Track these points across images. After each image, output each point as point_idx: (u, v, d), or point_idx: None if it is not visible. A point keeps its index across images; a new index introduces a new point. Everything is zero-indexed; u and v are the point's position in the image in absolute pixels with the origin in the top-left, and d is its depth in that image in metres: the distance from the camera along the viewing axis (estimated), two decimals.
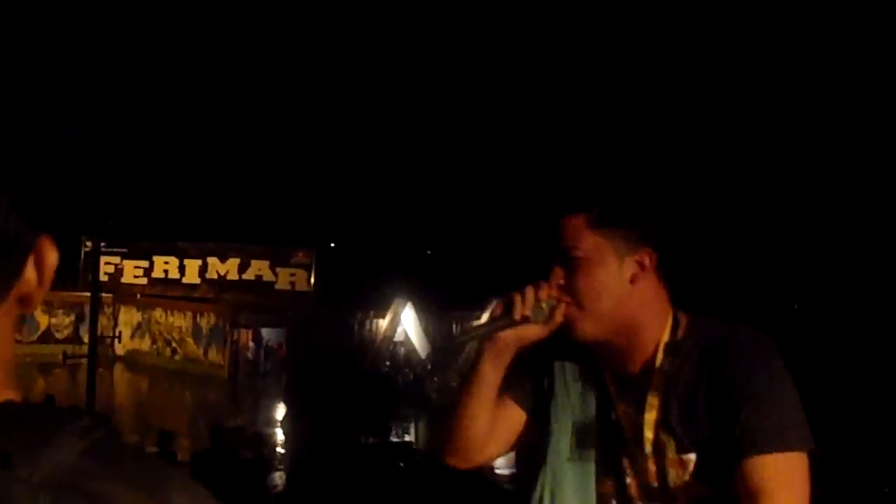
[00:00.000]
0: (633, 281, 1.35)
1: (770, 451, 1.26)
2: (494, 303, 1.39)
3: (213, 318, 15.30)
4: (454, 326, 14.87)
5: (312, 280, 15.44)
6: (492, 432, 1.44)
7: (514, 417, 1.47)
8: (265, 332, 16.02)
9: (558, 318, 1.36)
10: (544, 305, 1.31)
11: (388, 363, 14.33)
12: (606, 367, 1.45)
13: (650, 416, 1.37)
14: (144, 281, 15.57)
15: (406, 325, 14.52)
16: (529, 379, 1.46)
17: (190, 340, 15.64)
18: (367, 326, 15.10)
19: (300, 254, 15.48)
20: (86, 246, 14.23)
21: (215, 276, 15.63)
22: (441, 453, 1.49)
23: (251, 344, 16.01)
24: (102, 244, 12.68)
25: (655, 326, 1.39)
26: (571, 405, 1.44)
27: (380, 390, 10.25)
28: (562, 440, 1.45)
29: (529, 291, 1.34)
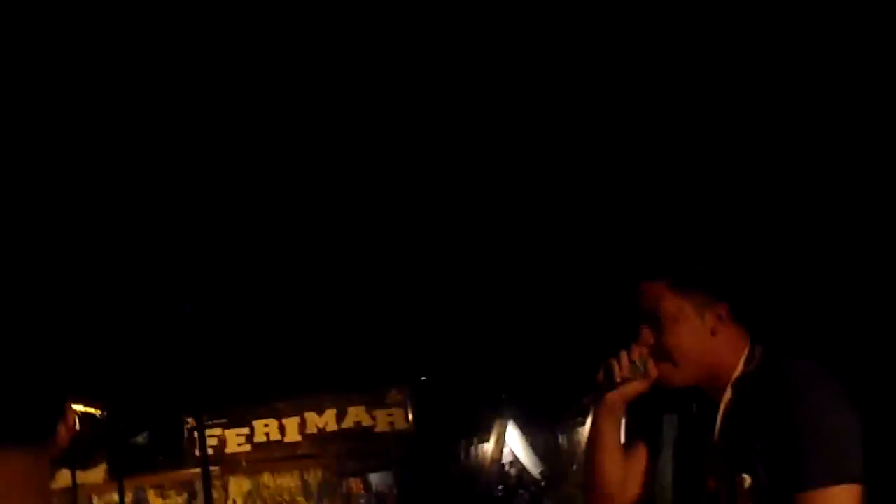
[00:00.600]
0: (713, 333, 1.62)
1: (827, 485, 1.36)
2: (600, 371, 1.65)
3: (319, 473, 15.28)
4: (559, 438, 14.55)
5: (410, 417, 15.37)
6: (625, 482, 1.62)
7: (641, 465, 1.66)
8: (373, 478, 15.91)
9: (653, 373, 1.67)
10: (639, 364, 1.61)
11: (500, 486, 14.04)
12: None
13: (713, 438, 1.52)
14: (248, 448, 15.66)
15: (512, 444, 14.29)
16: (645, 429, 1.70)
17: (301, 499, 15.59)
18: (473, 453, 14.89)
19: (394, 392, 15.49)
20: (187, 423, 14.50)
21: (315, 431, 15.66)
22: (587, 501, 1.66)
23: (363, 492, 15.87)
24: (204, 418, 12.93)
25: (733, 363, 1.62)
26: (672, 438, 1.62)
27: None
28: (665, 469, 1.64)
29: (623, 355, 1.66)
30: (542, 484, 14.16)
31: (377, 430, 16.33)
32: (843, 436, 1.41)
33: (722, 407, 1.58)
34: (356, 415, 15.94)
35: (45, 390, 0.97)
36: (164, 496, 15.41)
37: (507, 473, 14.82)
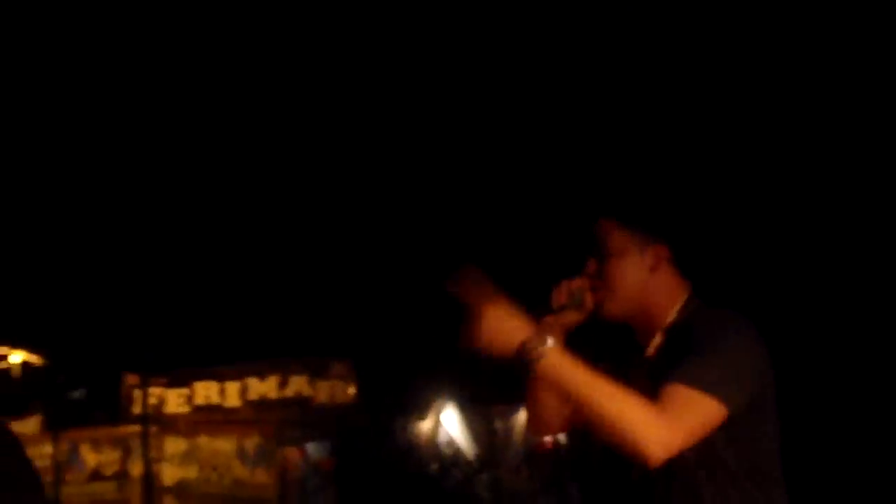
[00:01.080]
0: (652, 269, 1.78)
1: (693, 387, 1.50)
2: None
3: (257, 440, 15.32)
4: (496, 422, 14.80)
5: (352, 390, 15.47)
6: (562, 406, 1.70)
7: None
8: (310, 448, 15.98)
9: (588, 304, 1.83)
10: (576, 293, 1.78)
11: (434, 465, 14.24)
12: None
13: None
14: (187, 409, 15.65)
15: (449, 425, 14.47)
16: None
17: (236, 463, 15.63)
18: (411, 430, 15.06)
19: (338, 365, 15.59)
20: (127, 380, 14.44)
21: (256, 397, 15.69)
22: (529, 426, 1.78)
23: (300, 461, 15.96)
24: (144, 375, 12.92)
25: (667, 310, 1.77)
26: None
27: (429, 493, 10.23)
28: None
29: (564, 284, 1.82)
30: (475, 465, 14.42)
31: (318, 400, 16.40)
32: (736, 363, 1.53)
33: (651, 350, 1.71)
34: (298, 384, 15.99)
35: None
36: (98, 451, 15.34)
37: (443, 453, 15.04)
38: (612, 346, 1.76)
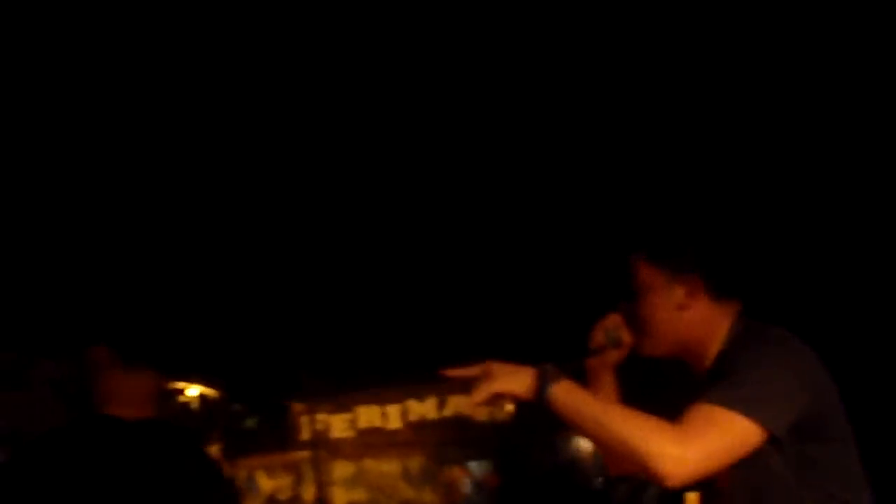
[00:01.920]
0: (682, 307, 1.70)
1: (727, 406, 1.39)
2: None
3: (420, 460, 15.55)
4: None
5: (510, 407, 15.46)
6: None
7: None
8: (473, 466, 16.07)
9: (626, 340, 1.80)
10: (611, 332, 1.76)
11: (599, 479, 13.97)
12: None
13: None
14: (352, 433, 16.10)
15: None
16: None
17: (403, 485, 15.91)
18: (573, 444, 14.86)
19: None
20: (294, 408, 15.03)
21: (416, 418, 15.96)
22: (606, 461, 1.87)
23: (464, 479, 16.07)
24: (309, 402, 13.41)
25: (709, 341, 1.69)
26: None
27: None
28: None
29: (598, 325, 1.80)
30: (643, 478, 14.04)
31: (477, 418, 16.54)
32: (770, 381, 1.44)
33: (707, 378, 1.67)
34: (456, 404, 16.19)
35: (179, 348, 1.63)
36: (272, 477, 15.99)
37: (607, 466, 14.74)
38: (669, 376, 1.71)
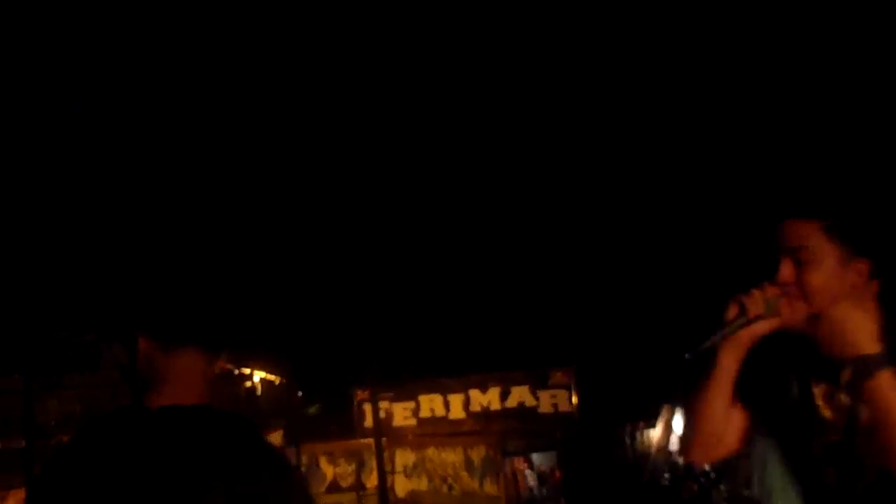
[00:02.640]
0: (853, 286, 1.54)
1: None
2: (730, 306, 1.61)
3: (483, 450, 15.46)
4: None
5: (574, 399, 15.27)
6: (726, 429, 1.58)
7: (742, 419, 1.60)
8: (535, 458, 15.93)
9: (785, 312, 1.60)
10: (771, 302, 1.55)
11: (667, 475, 13.69)
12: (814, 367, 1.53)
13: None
14: (414, 422, 16.09)
15: (680, 431, 13.88)
16: (753, 385, 1.58)
17: (465, 475, 15.84)
18: (639, 438, 14.62)
19: (558, 374, 15.41)
20: (357, 395, 15.08)
21: (479, 408, 15.87)
22: (686, 450, 1.63)
23: (526, 471, 15.93)
24: (372, 390, 13.43)
25: (859, 332, 1.47)
26: (784, 406, 1.53)
27: None
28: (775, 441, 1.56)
29: (757, 292, 1.58)
30: (712, 476, 13.68)
31: (540, 410, 16.30)
32: None
33: (843, 379, 1.52)
34: (520, 394, 15.99)
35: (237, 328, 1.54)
36: (334, 463, 16.10)
37: (675, 462, 14.43)
38: (792, 354, 1.55)
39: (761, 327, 1.56)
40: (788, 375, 1.55)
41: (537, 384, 15.83)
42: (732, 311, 1.55)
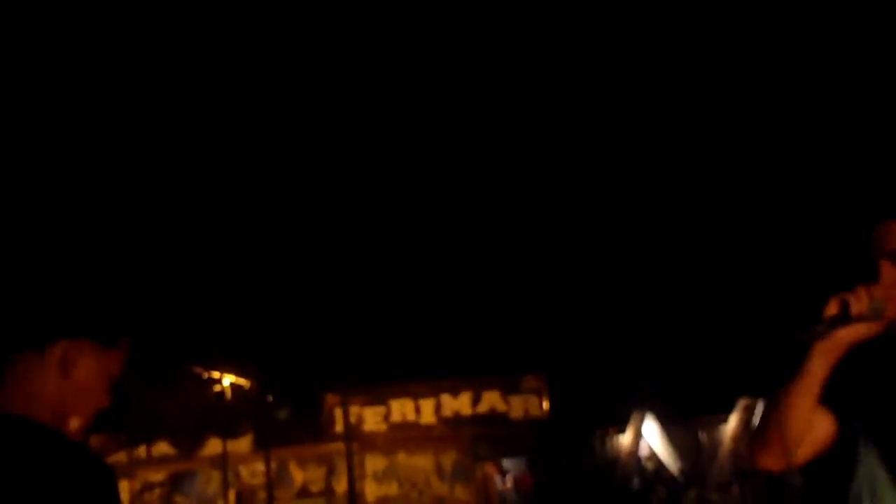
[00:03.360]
0: None
1: None
2: (830, 303, 1.51)
3: (454, 455, 15.40)
4: (700, 434, 14.10)
5: (545, 404, 15.27)
6: (808, 433, 1.48)
7: (826, 423, 1.51)
8: (506, 463, 15.90)
9: (891, 313, 1.52)
10: (877, 303, 1.45)
11: (637, 480, 13.72)
12: None
13: None
14: (384, 427, 16.01)
15: (649, 437, 13.92)
16: (843, 389, 1.50)
17: (435, 480, 15.78)
18: (609, 444, 14.64)
19: (530, 379, 15.41)
20: (327, 400, 14.96)
21: (450, 414, 15.82)
22: (759, 454, 1.52)
23: (497, 476, 15.90)
24: (343, 394, 13.32)
25: None
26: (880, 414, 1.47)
27: None
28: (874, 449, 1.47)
29: (863, 291, 1.49)
30: (682, 481, 13.73)
31: (512, 415, 16.30)
32: None
33: None
34: (491, 400, 15.96)
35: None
36: (304, 468, 15.95)
37: (644, 467, 14.47)
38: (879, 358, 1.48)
39: (863, 329, 1.45)
40: (891, 382, 1.46)
41: (509, 390, 15.82)
42: (832, 309, 1.44)
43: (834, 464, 1.44)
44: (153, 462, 13.98)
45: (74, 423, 1.33)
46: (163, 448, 14.50)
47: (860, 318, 1.38)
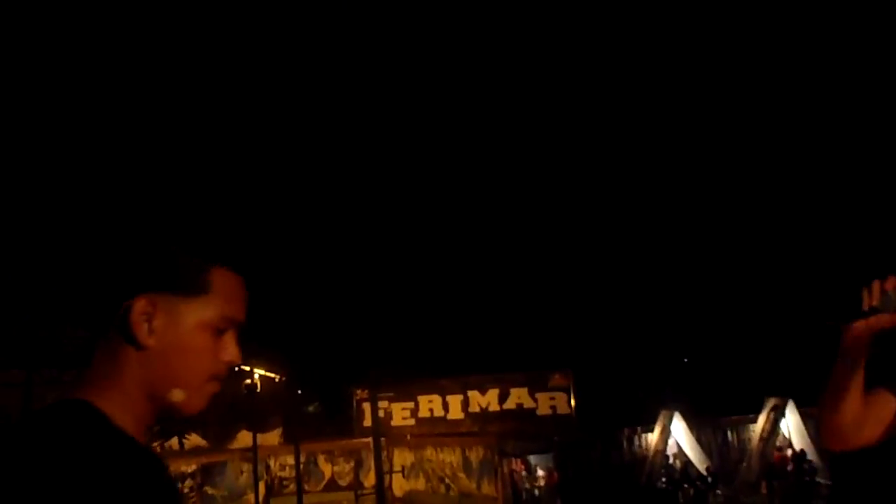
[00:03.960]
0: None
1: None
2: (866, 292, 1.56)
3: (481, 451, 15.46)
4: (728, 433, 14.05)
5: (573, 402, 15.28)
6: (867, 416, 1.53)
7: (890, 405, 1.55)
8: (533, 459, 15.92)
9: None
10: (892, 295, 1.51)
11: (664, 479, 13.70)
12: None
13: None
14: (412, 422, 16.10)
15: (677, 436, 13.89)
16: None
17: (462, 475, 15.84)
18: (637, 442, 14.62)
19: (557, 376, 15.43)
20: (356, 394, 15.10)
21: (477, 409, 15.88)
22: (823, 436, 1.58)
23: (523, 473, 15.94)
24: (371, 389, 13.45)
25: None
26: None
27: None
28: None
29: (876, 284, 1.54)
30: (709, 480, 13.68)
31: (539, 412, 16.32)
32: None
33: None
34: (518, 396, 16.00)
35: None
36: (333, 462, 16.10)
37: (672, 466, 14.43)
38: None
39: (879, 320, 1.49)
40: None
41: (536, 386, 15.85)
42: (875, 296, 1.50)
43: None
44: (185, 454, 14.20)
45: (178, 396, 1.08)
46: (194, 440, 14.72)
47: (873, 311, 1.44)
